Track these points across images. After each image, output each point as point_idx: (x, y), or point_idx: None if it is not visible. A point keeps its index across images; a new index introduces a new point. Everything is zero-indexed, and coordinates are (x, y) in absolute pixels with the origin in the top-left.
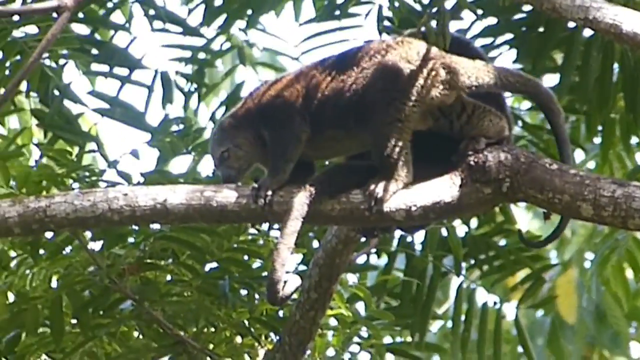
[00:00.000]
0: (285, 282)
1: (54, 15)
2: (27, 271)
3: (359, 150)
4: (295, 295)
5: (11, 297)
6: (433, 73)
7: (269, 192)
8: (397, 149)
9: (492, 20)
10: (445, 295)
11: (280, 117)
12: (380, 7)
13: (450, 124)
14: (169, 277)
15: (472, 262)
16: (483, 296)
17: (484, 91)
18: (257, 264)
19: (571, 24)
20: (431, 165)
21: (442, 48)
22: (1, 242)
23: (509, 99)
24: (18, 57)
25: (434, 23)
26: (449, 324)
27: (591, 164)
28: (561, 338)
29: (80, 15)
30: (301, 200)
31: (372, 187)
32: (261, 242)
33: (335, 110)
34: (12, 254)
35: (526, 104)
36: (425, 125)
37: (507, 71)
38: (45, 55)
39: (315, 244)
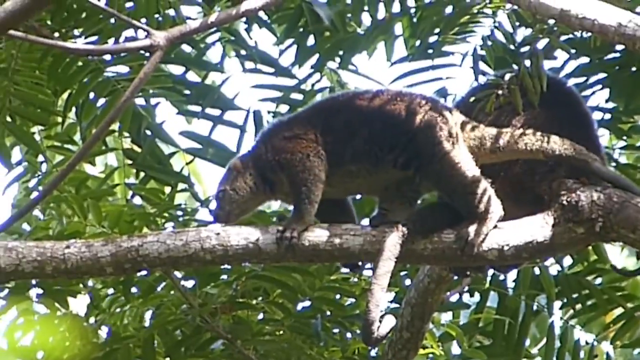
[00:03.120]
0: (380, 322)
1: (146, 54)
2: (119, 309)
3: (377, 189)
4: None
5: (103, 335)
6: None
7: (295, 234)
8: (473, 189)
9: (584, 60)
10: (542, 334)
11: (297, 160)
12: (475, 48)
13: None
14: (261, 316)
15: (565, 300)
16: (579, 335)
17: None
18: (349, 302)
19: None
20: (524, 204)
21: (539, 89)
22: (94, 280)
23: (603, 137)
24: (109, 97)
25: (527, 62)
26: None
27: None
28: None
29: (172, 55)
30: (394, 241)
31: (464, 229)
32: (353, 280)
33: (362, 145)
34: (110, 291)
35: (621, 143)
36: None
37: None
38: (138, 94)
39: (407, 282)
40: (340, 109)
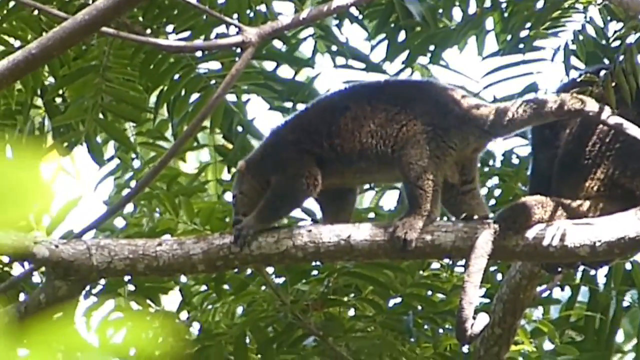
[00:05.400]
0: (473, 319)
1: (238, 50)
2: (211, 306)
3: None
4: None
5: (195, 332)
6: None
7: (251, 233)
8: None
9: None
10: (635, 330)
11: (289, 169)
12: (567, 42)
13: None
14: (352, 313)
15: None
16: None
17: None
18: (440, 298)
19: None
20: (616, 200)
21: (634, 85)
22: (185, 277)
23: None
24: (201, 93)
25: (620, 57)
26: None
27: None
28: None
29: (264, 51)
30: (486, 238)
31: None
32: (445, 276)
33: (370, 145)
34: (202, 287)
35: None
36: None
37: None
38: (229, 91)
39: (499, 277)
40: (343, 106)
